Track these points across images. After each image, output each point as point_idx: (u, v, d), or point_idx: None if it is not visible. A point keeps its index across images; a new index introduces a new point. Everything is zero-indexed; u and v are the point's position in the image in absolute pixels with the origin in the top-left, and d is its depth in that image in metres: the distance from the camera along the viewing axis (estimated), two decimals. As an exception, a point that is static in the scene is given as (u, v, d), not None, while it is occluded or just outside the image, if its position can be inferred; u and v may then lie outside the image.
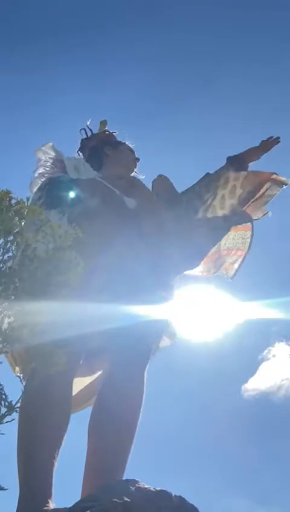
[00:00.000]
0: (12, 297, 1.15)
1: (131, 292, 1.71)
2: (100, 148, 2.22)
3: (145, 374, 1.75)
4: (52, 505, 1.41)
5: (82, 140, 2.29)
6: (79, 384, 1.79)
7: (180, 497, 1.33)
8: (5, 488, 1.12)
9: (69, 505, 1.35)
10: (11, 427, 1.18)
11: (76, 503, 1.34)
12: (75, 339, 1.52)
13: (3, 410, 1.10)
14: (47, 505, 1.40)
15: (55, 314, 1.33)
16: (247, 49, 7.93)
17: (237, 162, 2.19)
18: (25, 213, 1.19)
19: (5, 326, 1.13)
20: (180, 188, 2.21)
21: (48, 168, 2.03)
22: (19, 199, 1.20)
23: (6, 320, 1.14)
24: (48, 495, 1.44)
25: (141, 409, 1.69)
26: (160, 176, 2.21)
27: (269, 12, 7.56)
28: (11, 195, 1.19)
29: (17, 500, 1.45)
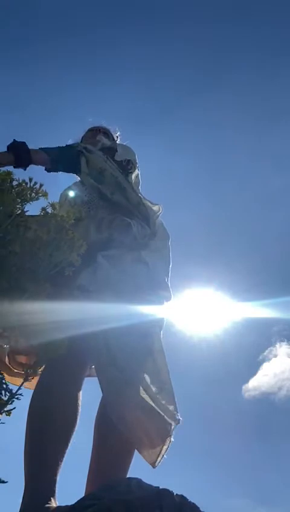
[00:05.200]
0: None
1: (132, 291, 1.71)
2: None
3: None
4: (54, 503, 1.42)
5: None
6: None
7: (181, 496, 1.33)
8: (5, 480, 1.12)
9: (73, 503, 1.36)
10: (13, 420, 1.19)
11: (78, 501, 1.35)
12: (77, 338, 1.54)
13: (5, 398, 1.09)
14: (49, 502, 1.41)
15: (59, 315, 1.34)
16: (245, 52, 7.94)
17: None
18: (28, 195, 1.14)
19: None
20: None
21: None
22: (20, 180, 1.16)
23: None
24: (51, 493, 1.45)
25: None
26: None
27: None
28: (12, 176, 1.15)
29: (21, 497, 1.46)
